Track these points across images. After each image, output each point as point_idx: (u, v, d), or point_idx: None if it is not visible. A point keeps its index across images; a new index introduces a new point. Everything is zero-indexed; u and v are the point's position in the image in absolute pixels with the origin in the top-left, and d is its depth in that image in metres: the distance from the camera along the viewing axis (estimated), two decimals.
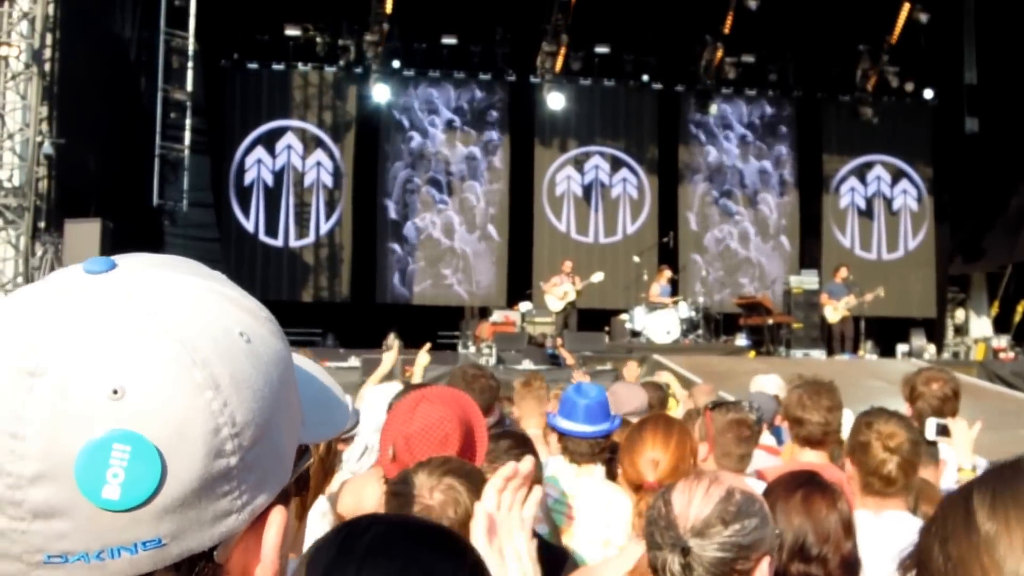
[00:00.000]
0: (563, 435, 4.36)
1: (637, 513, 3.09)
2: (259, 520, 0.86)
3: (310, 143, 24.24)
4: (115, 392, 0.76)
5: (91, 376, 0.77)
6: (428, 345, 7.65)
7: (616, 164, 25.39)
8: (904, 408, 5.24)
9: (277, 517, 0.87)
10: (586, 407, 4.35)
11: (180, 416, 0.78)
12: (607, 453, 4.40)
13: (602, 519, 4.11)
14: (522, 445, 3.82)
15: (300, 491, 0.95)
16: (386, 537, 1.32)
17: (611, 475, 4.40)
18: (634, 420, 4.71)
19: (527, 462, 1.94)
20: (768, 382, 7.97)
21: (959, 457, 4.44)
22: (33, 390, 0.77)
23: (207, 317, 0.83)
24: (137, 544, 0.77)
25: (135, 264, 0.87)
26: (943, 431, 4.59)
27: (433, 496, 2.49)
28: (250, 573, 0.87)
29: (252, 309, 0.88)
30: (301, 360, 1.02)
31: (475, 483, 2.53)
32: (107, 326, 0.79)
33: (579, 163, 25.23)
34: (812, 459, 4.37)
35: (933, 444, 4.54)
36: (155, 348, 0.79)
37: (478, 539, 1.83)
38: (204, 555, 0.82)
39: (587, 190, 25.27)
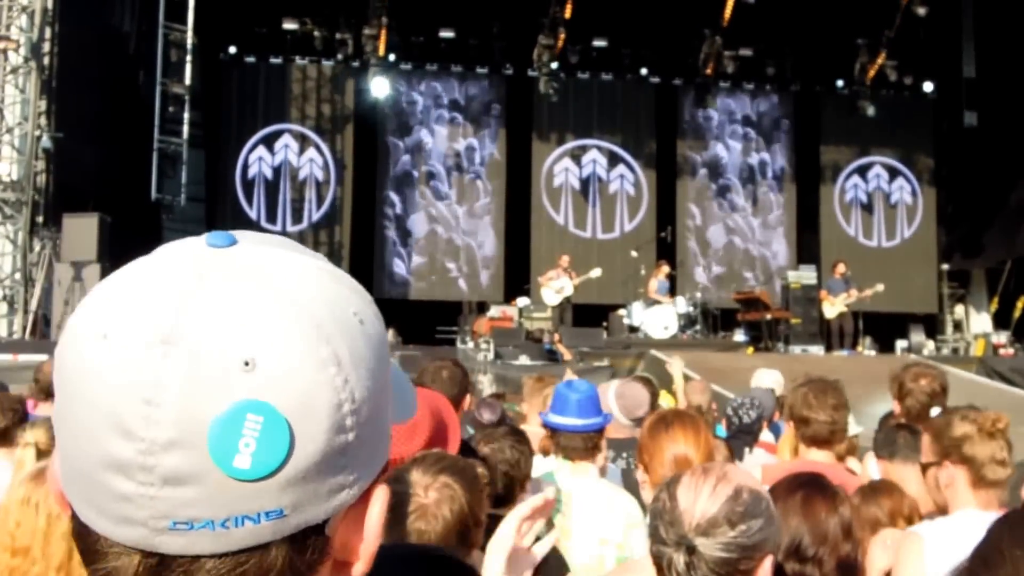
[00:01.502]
0: (555, 431, 4.36)
1: None
2: (364, 496, 0.87)
3: (308, 137, 24.26)
4: (247, 363, 0.78)
5: (224, 346, 0.78)
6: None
7: (613, 159, 25.39)
8: (892, 405, 5.23)
9: (381, 494, 0.89)
10: (578, 401, 4.35)
11: (308, 390, 0.79)
12: (599, 449, 4.40)
13: (599, 517, 4.11)
14: (517, 434, 3.82)
15: (383, 473, 0.95)
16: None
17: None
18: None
19: (551, 491, 1.94)
20: (768, 377, 7.93)
21: None
22: (168, 356, 0.77)
23: (328, 296, 0.85)
24: (260, 514, 0.79)
25: (254, 240, 0.89)
26: None
27: (428, 494, 2.50)
28: (351, 548, 0.88)
29: (360, 291, 0.91)
30: None
31: (469, 480, 2.53)
32: (239, 298, 0.80)
33: (576, 157, 25.23)
34: (820, 459, 4.33)
35: (919, 434, 4.50)
36: (286, 322, 0.80)
37: (496, 563, 1.84)
38: (316, 528, 0.83)
39: (584, 184, 25.28)
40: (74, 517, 0.83)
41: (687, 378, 9.26)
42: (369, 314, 0.89)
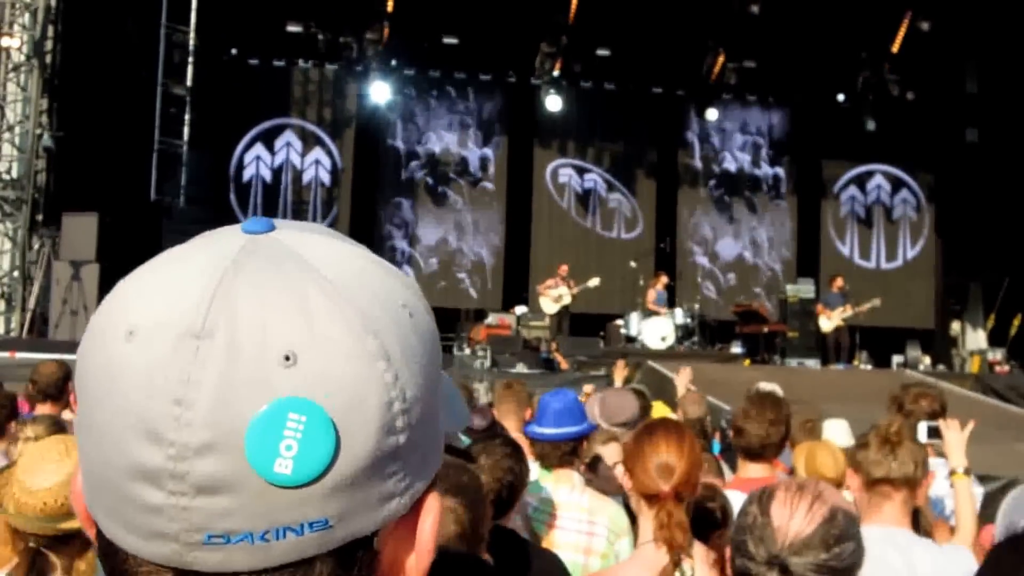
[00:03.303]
0: (533, 441, 4.41)
1: (658, 525, 3.06)
2: (415, 507, 0.80)
3: (309, 140, 24.25)
4: (287, 358, 0.71)
5: (262, 340, 0.71)
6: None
7: (615, 169, 25.39)
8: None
9: (434, 504, 0.81)
10: (555, 411, 4.41)
11: (354, 386, 0.72)
12: (577, 455, 4.43)
13: (582, 526, 4.11)
14: (513, 446, 3.83)
15: (433, 485, 0.85)
16: None
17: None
18: (622, 430, 4.72)
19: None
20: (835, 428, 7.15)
21: (952, 460, 4.41)
22: (200, 352, 0.70)
23: (375, 286, 0.78)
24: (304, 525, 0.71)
25: (293, 227, 0.81)
26: (935, 433, 4.58)
27: None
28: (401, 564, 0.80)
29: (409, 283, 0.83)
30: None
31: (471, 498, 2.53)
32: (277, 287, 0.73)
33: (577, 166, 25.23)
34: (757, 474, 4.39)
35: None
36: (329, 313, 0.73)
37: None
38: (364, 541, 0.75)
39: (585, 193, 25.29)
40: (100, 535, 0.76)
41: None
42: (420, 308, 0.81)
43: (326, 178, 24.29)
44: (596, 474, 4.84)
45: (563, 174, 25.22)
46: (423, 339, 0.79)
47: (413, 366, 0.76)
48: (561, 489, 4.25)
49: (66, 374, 6.00)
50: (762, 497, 2.27)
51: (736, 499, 3.32)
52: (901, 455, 3.39)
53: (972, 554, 3.46)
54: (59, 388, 6.00)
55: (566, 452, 4.36)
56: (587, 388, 10.22)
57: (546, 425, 4.39)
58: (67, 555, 2.60)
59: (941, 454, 4.58)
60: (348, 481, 0.72)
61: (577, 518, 4.14)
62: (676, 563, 2.95)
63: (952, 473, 4.37)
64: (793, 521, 2.18)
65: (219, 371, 0.70)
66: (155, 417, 0.70)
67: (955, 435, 4.46)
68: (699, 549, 3.10)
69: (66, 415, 5.59)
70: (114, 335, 0.73)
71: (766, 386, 8.30)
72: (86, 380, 0.75)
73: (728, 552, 2.32)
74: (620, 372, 10.30)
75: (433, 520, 0.81)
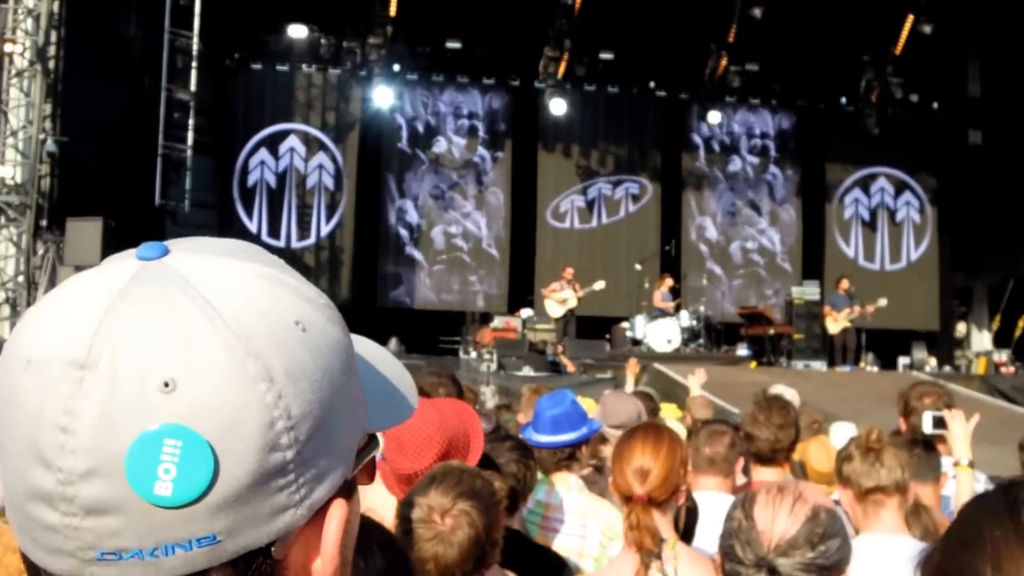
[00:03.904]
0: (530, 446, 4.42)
1: (628, 527, 3.06)
2: (320, 514, 0.83)
3: (313, 145, 24.25)
4: (167, 385, 0.74)
5: (143, 367, 0.75)
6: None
7: (619, 171, 25.38)
8: (899, 422, 5.23)
9: (338, 511, 0.84)
10: (551, 418, 4.40)
11: (233, 409, 0.76)
12: (576, 459, 4.42)
13: (575, 529, 4.11)
14: (522, 448, 3.82)
15: (366, 481, 0.92)
16: None
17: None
18: (620, 432, 4.71)
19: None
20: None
21: (956, 451, 4.38)
22: (83, 383, 0.74)
23: (261, 305, 0.80)
24: (192, 541, 0.75)
25: (189, 249, 0.85)
26: (940, 423, 4.55)
27: (445, 521, 2.53)
28: (309, 568, 0.84)
29: (310, 296, 0.85)
30: (365, 344, 0.99)
31: (486, 503, 2.55)
32: (159, 315, 0.77)
33: (583, 167, 25.23)
34: (769, 477, 4.38)
35: (933, 451, 4.47)
36: (208, 339, 0.76)
37: None
38: (262, 551, 0.79)
39: (591, 197, 25.27)
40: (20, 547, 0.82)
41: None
42: (318, 321, 0.84)
43: (330, 182, 24.28)
44: (603, 475, 4.83)
45: (565, 180, 25.21)
46: (319, 353, 0.82)
47: (301, 384, 0.79)
48: (556, 492, 4.25)
49: None
50: (745, 502, 2.31)
51: None
52: (887, 461, 3.40)
53: None
54: None
55: (562, 458, 4.37)
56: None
57: (542, 432, 4.39)
58: None
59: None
60: (232, 499, 0.76)
61: (570, 521, 4.15)
62: (647, 565, 2.96)
63: (956, 464, 4.34)
64: (777, 523, 2.21)
65: (100, 400, 0.74)
66: (44, 444, 0.75)
67: (960, 425, 4.42)
68: (685, 551, 3.10)
69: None
70: (14, 363, 0.78)
71: (782, 390, 8.28)
72: None
73: (718, 557, 2.33)
74: (633, 370, 10.27)
75: (337, 525, 0.84)
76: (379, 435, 0.94)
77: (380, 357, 1.00)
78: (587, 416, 4.62)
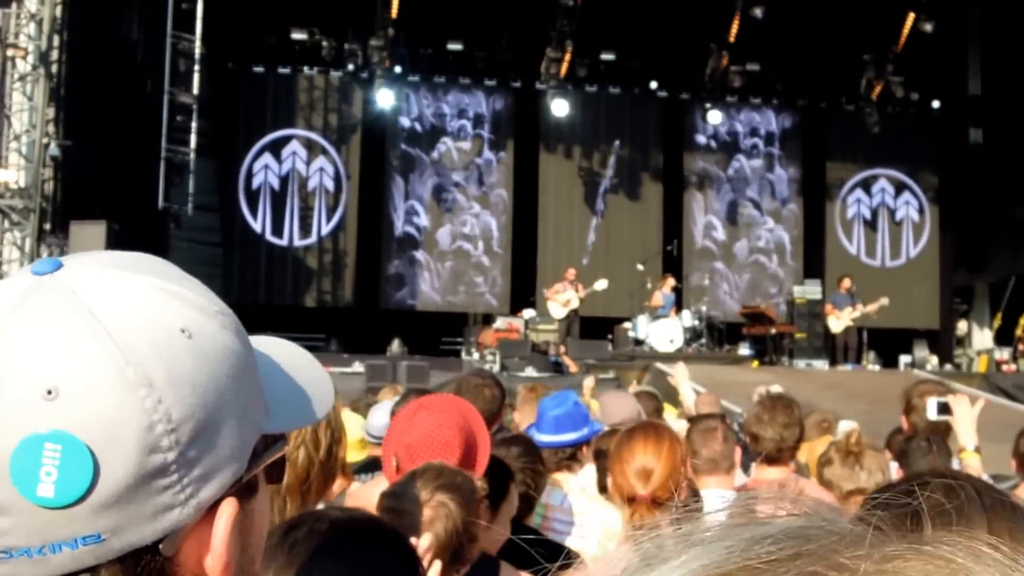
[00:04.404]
0: None
1: (632, 528, 3.06)
2: (212, 512, 0.87)
3: (315, 148, 24.28)
4: (49, 392, 0.79)
5: (27, 377, 0.80)
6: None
7: (620, 171, 25.37)
8: (900, 420, 5.23)
9: (228, 509, 0.88)
10: (554, 418, 4.42)
11: (112, 414, 0.80)
12: (576, 460, 4.44)
13: (574, 530, 4.13)
14: (530, 452, 3.84)
15: (274, 481, 0.97)
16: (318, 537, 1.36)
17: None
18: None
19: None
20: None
21: (961, 436, 4.32)
22: None
23: (145, 315, 0.85)
24: (77, 539, 0.80)
25: (83, 264, 0.89)
26: (944, 409, 4.52)
27: (423, 511, 2.52)
28: (200, 564, 0.88)
29: (201, 305, 0.88)
30: (282, 347, 1.04)
31: (465, 496, 2.55)
32: (42, 327, 0.82)
33: (584, 169, 25.24)
34: (774, 476, 4.39)
35: (938, 443, 4.45)
36: (89, 349, 0.81)
37: None
38: (149, 548, 0.84)
39: (592, 196, 25.28)
40: None
41: (696, 392, 9.19)
42: (207, 327, 0.88)
43: (331, 185, 24.31)
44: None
45: (567, 182, 25.21)
46: (205, 359, 0.86)
47: (183, 388, 0.83)
48: (556, 492, 4.26)
49: None
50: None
51: None
52: (867, 464, 3.39)
53: None
54: None
55: (564, 457, 4.39)
56: (588, 383, 10.16)
57: (545, 431, 4.41)
58: None
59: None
60: (114, 499, 0.80)
61: (569, 521, 4.15)
62: None
63: (961, 451, 4.32)
64: None
65: None
66: None
67: (965, 410, 4.37)
68: None
69: None
70: None
71: (771, 389, 8.30)
72: None
73: None
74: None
75: (225, 523, 0.88)
76: (287, 436, 0.99)
77: (295, 361, 1.04)
78: (589, 417, 4.65)
